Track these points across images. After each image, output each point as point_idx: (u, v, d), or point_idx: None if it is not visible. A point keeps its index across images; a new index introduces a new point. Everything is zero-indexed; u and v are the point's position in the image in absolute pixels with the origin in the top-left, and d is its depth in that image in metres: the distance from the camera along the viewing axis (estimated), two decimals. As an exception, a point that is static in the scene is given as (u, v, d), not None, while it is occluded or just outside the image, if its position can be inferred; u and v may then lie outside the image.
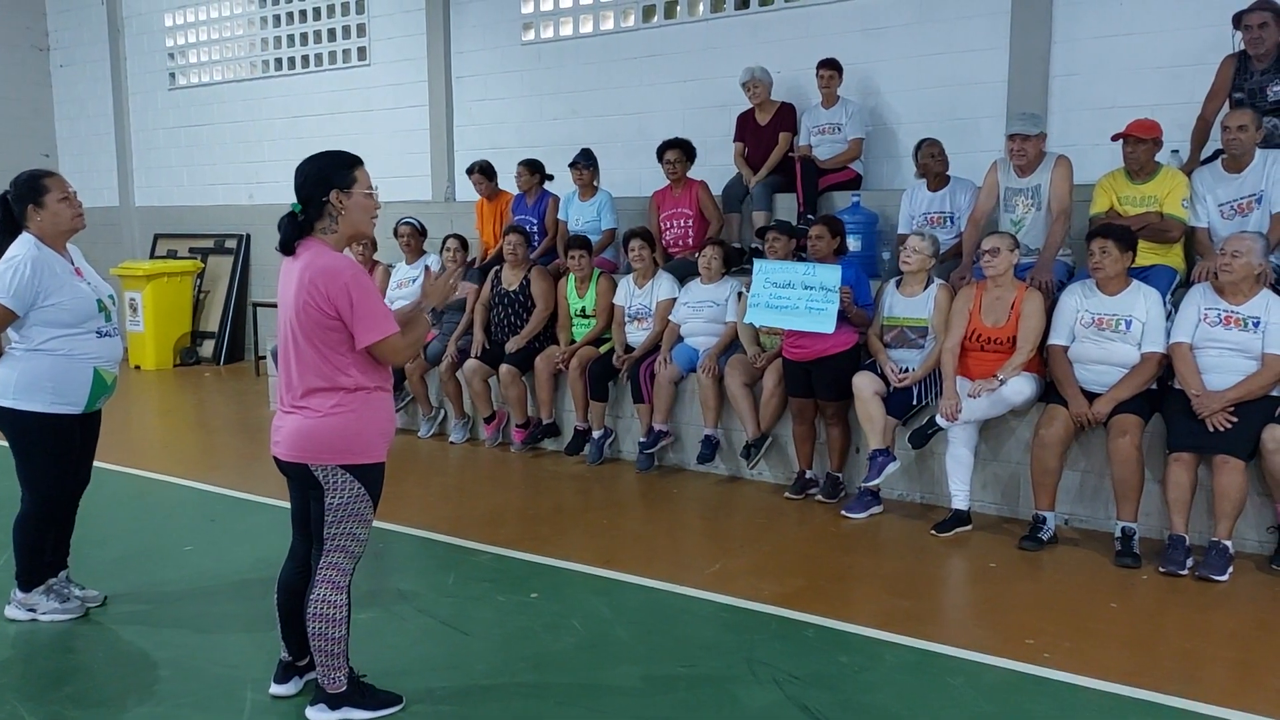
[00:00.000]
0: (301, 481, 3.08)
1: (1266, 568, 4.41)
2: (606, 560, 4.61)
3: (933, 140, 6.16)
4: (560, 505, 5.66)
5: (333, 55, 10.22)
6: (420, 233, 7.56)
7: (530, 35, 8.88)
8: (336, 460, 2.99)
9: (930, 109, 6.95)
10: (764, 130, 7.12)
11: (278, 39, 10.63)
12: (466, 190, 8.46)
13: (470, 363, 6.81)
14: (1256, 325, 4.47)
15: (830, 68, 6.87)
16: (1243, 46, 5.44)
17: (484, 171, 7.79)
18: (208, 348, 10.89)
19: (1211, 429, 4.40)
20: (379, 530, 4.98)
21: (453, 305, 7.15)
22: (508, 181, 7.85)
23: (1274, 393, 4.46)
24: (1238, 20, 5.41)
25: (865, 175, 7.08)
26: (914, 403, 5.29)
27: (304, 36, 10.41)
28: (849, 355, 5.47)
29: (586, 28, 8.58)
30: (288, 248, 3.00)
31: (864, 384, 5.28)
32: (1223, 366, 4.52)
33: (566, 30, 8.70)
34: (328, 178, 2.97)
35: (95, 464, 4.10)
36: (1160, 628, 3.89)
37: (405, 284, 7.49)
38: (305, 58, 10.44)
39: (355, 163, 3.03)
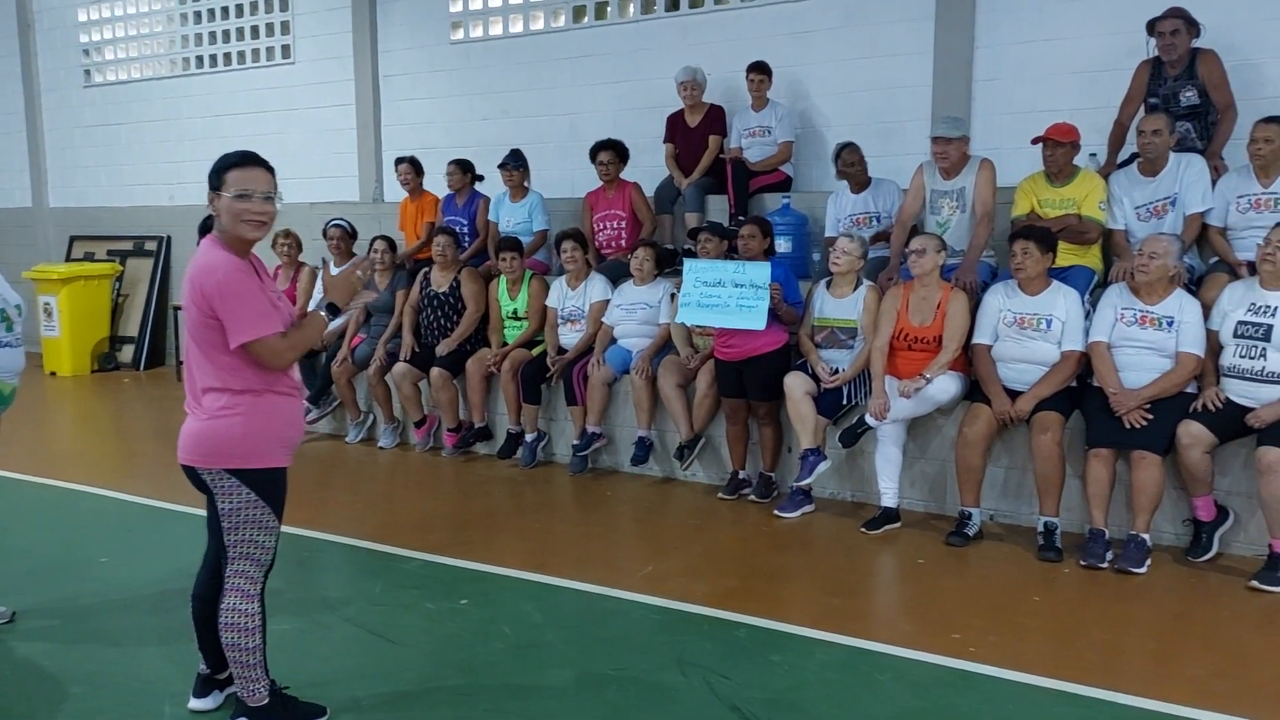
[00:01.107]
0: (198, 485, 3.00)
1: (1183, 560, 4.54)
2: (538, 564, 4.57)
3: (852, 146, 6.22)
4: (492, 509, 5.60)
5: (255, 53, 10.00)
6: (350, 234, 7.43)
7: (459, 34, 8.79)
8: (222, 464, 2.90)
9: (857, 112, 7.03)
10: (694, 132, 7.14)
11: (198, 36, 10.36)
12: (395, 191, 8.34)
13: (399, 366, 6.70)
14: (1171, 325, 4.60)
15: (759, 71, 6.92)
16: (1156, 53, 5.60)
17: (414, 164, 7.67)
18: (127, 353, 10.56)
19: (1128, 426, 4.52)
20: (305, 539, 4.90)
21: (381, 308, 7.04)
22: (436, 183, 7.75)
23: (1188, 389, 4.60)
24: (1151, 27, 5.57)
25: (795, 178, 7.14)
26: (844, 402, 5.34)
27: (225, 34, 10.16)
28: (780, 355, 5.50)
29: (516, 27, 8.52)
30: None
31: (795, 384, 5.32)
32: (1139, 365, 4.64)
33: (496, 30, 8.63)
34: (210, 178, 2.90)
35: (6, 474, 3.93)
36: (1081, 620, 3.97)
37: (332, 286, 7.35)
38: (227, 55, 10.19)
39: (233, 164, 2.89)
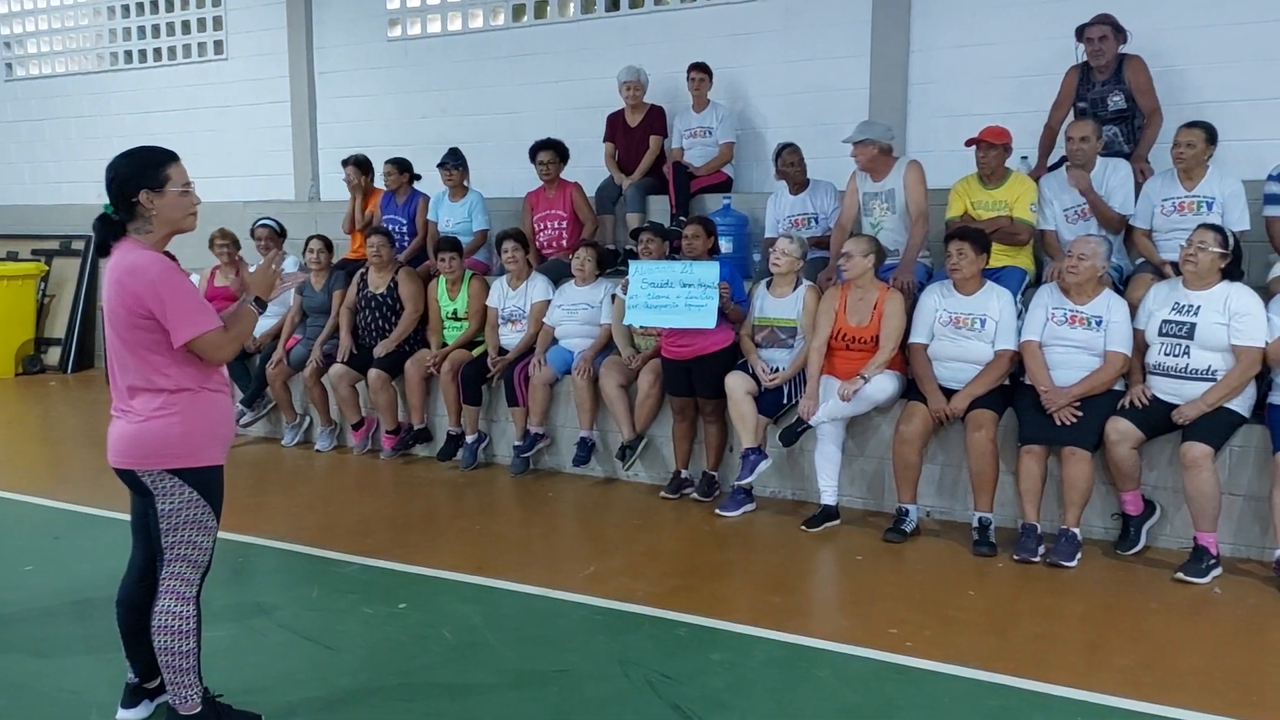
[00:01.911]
0: (135, 488, 2.94)
1: (1112, 553, 4.65)
2: (479, 567, 4.53)
3: (792, 147, 6.27)
4: (432, 512, 5.54)
5: (186, 49, 9.78)
6: (279, 234, 7.30)
7: (396, 31, 8.69)
8: (163, 465, 2.86)
9: (797, 114, 7.09)
10: (634, 132, 7.15)
11: (126, 30, 10.10)
12: (331, 189, 8.22)
13: (336, 368, 6.60)
14: (1099, 324, 4.71)
15: (700, 71, 6.95)
16: (1085, 58, 5.74)
17: (359, 165, 7.55)
18: (54, 354, 10.25)
19: (1059, 423, 4.62)
20: (239, 543, 4.80)
21: (317, 309, 6.93)
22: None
23: (1116, 387, 4.71)
24: (1080, 33, 5.70)
25: (736, 178, 7.19)
26: (784, 401, 5.38)
27: (155, 28, 9.94)
28: (727, 353, 5.53)
29: (455, 25, 8.45)
30: (103, 249, 2.88)
31: (736, 384, 5.34)
32: (1069, 363, 4.75)
33: (435, 27, 8.55)
34: (137, 177, 2.82)
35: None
36: (1014, 613, 4.05)
37: (267, 287, 7.21)
38: (157, 51, 9.96)
39: (167, 159, 2.86)
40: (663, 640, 3.76)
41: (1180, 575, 4.28)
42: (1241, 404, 4.47)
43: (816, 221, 6.24)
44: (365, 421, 6.71)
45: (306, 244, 6.99)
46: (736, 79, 7.30)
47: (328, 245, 7.04)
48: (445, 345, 6.51)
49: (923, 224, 5.54)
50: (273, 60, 9.22)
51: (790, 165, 6.22)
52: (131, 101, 10.07)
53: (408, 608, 4.09)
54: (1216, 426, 4.40)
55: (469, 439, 6.29)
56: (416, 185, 7.45)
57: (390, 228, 7.07)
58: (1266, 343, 4.38)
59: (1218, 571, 4.32)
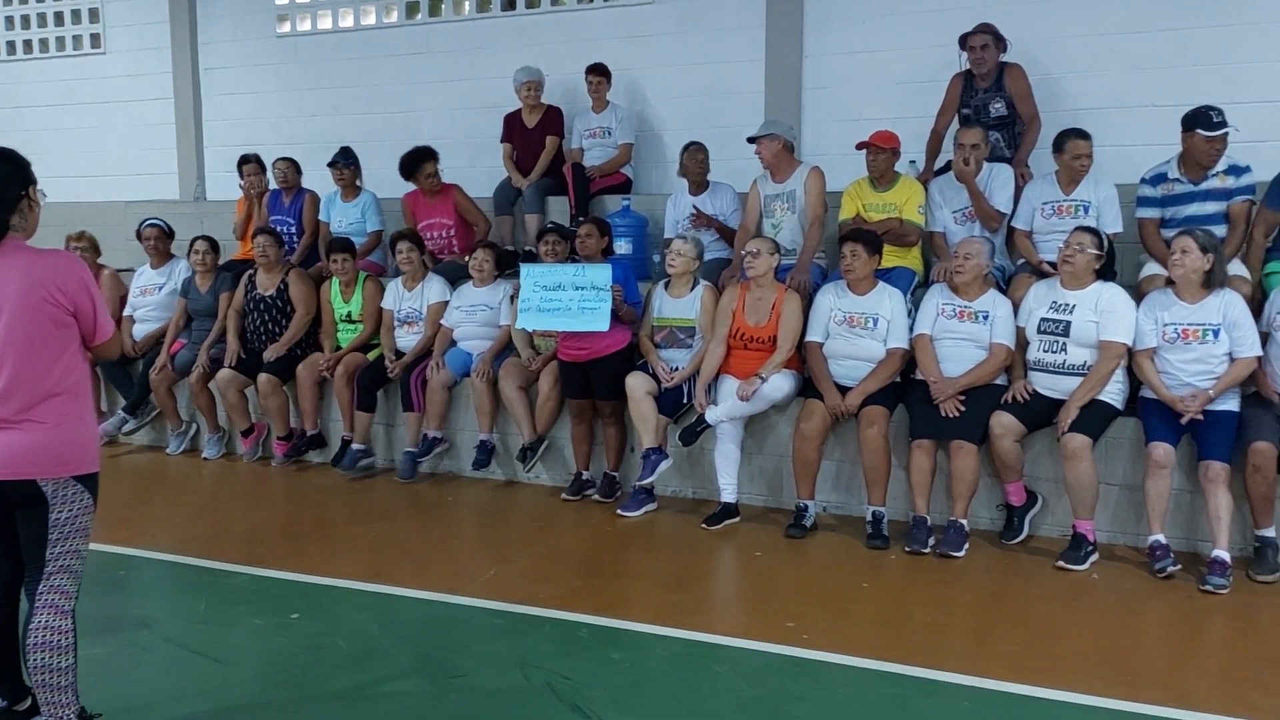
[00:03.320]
0: (17, 501, 2.78)
1: (997, 543, 4.81)
2: (376, 574, 4.44)
3: (699, 145, 6.33)
4: (327, 520, 5.41)
5: (61, 41, 9.36)
6: (168, 235, 7.04)
7: (285, 28, 8.48)
8: (73, 471, 2.79)
9: (694, 116, 7.16)
10: (532, 132, 7.11)
11: (-4, 20, 9.62)
12: (218, 188, 7.96)
13: (224, 372, 6.39)
14: (986, 318, 4.89)
15: (598, 74, 6.95)
16: (968, 66, 5.94)
17: (259, 164, 7.31)
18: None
19: (944, 414, 4.77)
20: (119, 555, 4.61)
21: (203, 311, 6.69)
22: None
23: (999, 381, 4.89)
24: (963, 42, 5.91)
25: (635, 180, 7.22)
26: (684, 401, 5.41)
27: (25, 19, 9.47)
28: (624, 354, 5.54)
29: (347, 22, 8.29)
30: None
31: (636, 384, 5.36)
32: (958, 356, 4.91)
33: (325, 24, 8.37)
34: (24, 174, 2.80)
35: None
36: (906, 603, 4.16)
37: (150, 290, 6.96)
38: (28, 42, 9.49)
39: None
40: (564, 642, 3.74)
41: (1061, 563, 4.46)
42: (1116, 397, 4.69)
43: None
44: (255, 428, 6.52)
45: (191, 245, 6.75)
46: (635, 80, 7.33)
47: (214, 246, 6.80)
48: (339, 348, 6.35)
49: (819, 227, 5.65)
50: (154, 55, 8.89)
51: (696, 164, 6.26)
52: (1, 95, 9.57)
53: (301, 618, 3.97)
54: (1093, 418, 4.60)
55: (356, 447, 6.13)
56: (304, 184, 7.27)
57: (278, 228, 6.87)
58: (1129, 341, 4.59)
59: (1095, 558, 4.51)
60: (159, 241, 6.94)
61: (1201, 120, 4.87)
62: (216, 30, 8.70)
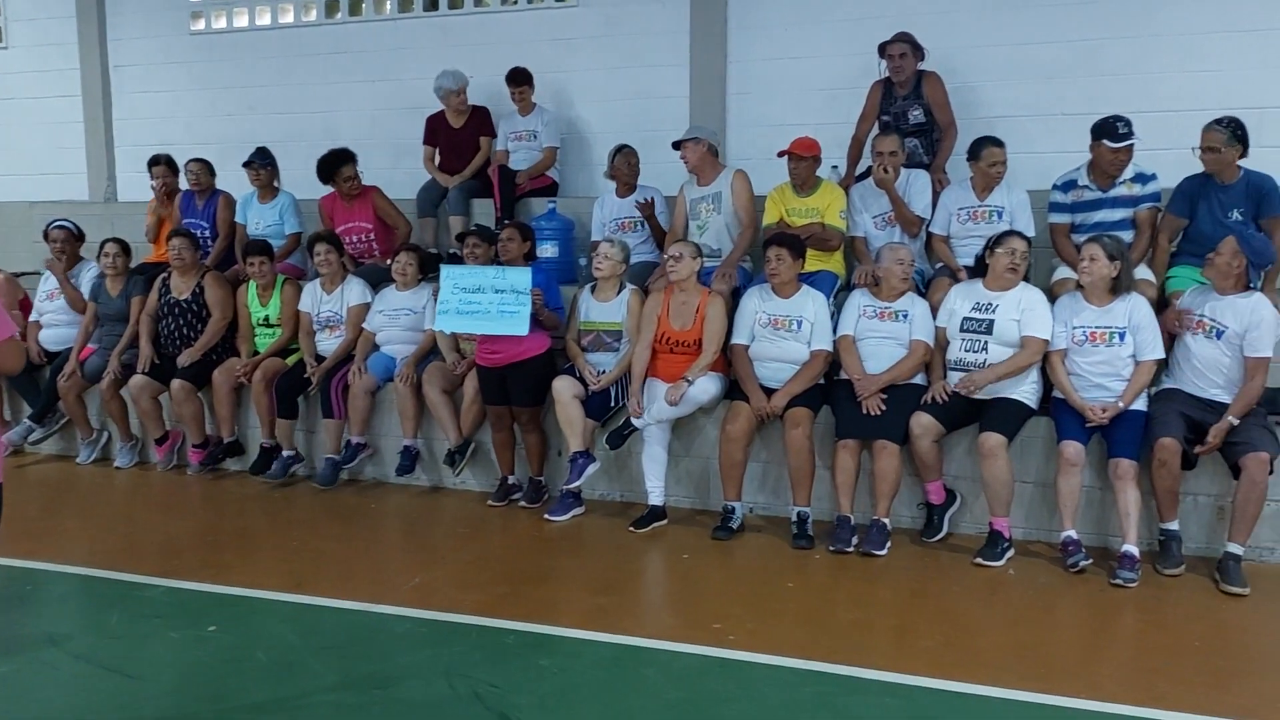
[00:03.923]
0: None
1: (918, 541, 4.91)
2: (296, 584, 4.35)
3: (630, 149, 6.33)
4: (245, 529, 5.28)
5: (-42, 34, 8.98)
6: (77, 237, 6.80)
7: (200, 25, 8.26)
8: None
9: (620, 120, 7.16)
10: (459, 134, 7.04)
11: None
12: (128, 189, 7.72)
13: (136, 379, 6.19)
14: (905, 317, 5.01)
15: (518, 82, 6.91)
16: (887, 74, 6.06)
17: (171, 165, 7.10)
18: None
19: (865, 412, 4.86)
20: (25, 570, 4.45)
21: (114, 316, 6.48)
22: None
23: (918, 381, 4.99)
24: (882, 50, 6.02)
25: (562, 183, 7.19)
26: (611, 404, 5.41)
27: (-79, 11, 9.07)
28: (543, 360, 5.51)
29: (264, 20, 8.11)
30: None
31: (563, 387, 5.34)
32: (879, 354, 5.01)
33: (241, 21, 8.18)
34: None
35: None
36: (831, 602, 4.22)
37: (57, 295, 6.71)
38: (-77, 35, 9.09)
39: None
40: (490, 649, 3.71)
41: (979, 560, 4.57)
42: (1031, 397, 4.82)
43: (641, 226, 6.31)
44: (170, 435, 6.33)
45: (101, 247, 6.52)
46: (560, 84, 7.31)
47: (125, 249, 6.59)
48: (256, 353, 6.21)
49: (752, 231, 5.72)
50: (60, 51, 8.59)
51: (627, 167, 6.26)
52: (-106, 89, 9.16)
53: (219, 630, 3.87)
54: (1009, 417, 4.73)
55: (285, 453, 6.01)
56: (220, 185, 7.09)
57: (192, 232, 6.68)
58: (1049, 338, 4.74)
59: (1011, 554, 4.63)
60: (66, 244, 6.70)
61: (1108, 131, 5.04)
62: (126, 26, 8.43)
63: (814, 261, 5.53)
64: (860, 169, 6.14)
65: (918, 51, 5.99)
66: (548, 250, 6.41)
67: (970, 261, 5.26)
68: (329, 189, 6.73)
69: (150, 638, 3.81)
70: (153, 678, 3.48)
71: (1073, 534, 4.52)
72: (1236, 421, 4.40)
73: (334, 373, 5.94)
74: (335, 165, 6.54)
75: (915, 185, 5.61)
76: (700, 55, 7.00)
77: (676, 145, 5.75)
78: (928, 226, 5.61)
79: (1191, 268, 4.98)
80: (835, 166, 6.20)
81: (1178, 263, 5.19)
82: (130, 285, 6.51)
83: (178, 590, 4.30)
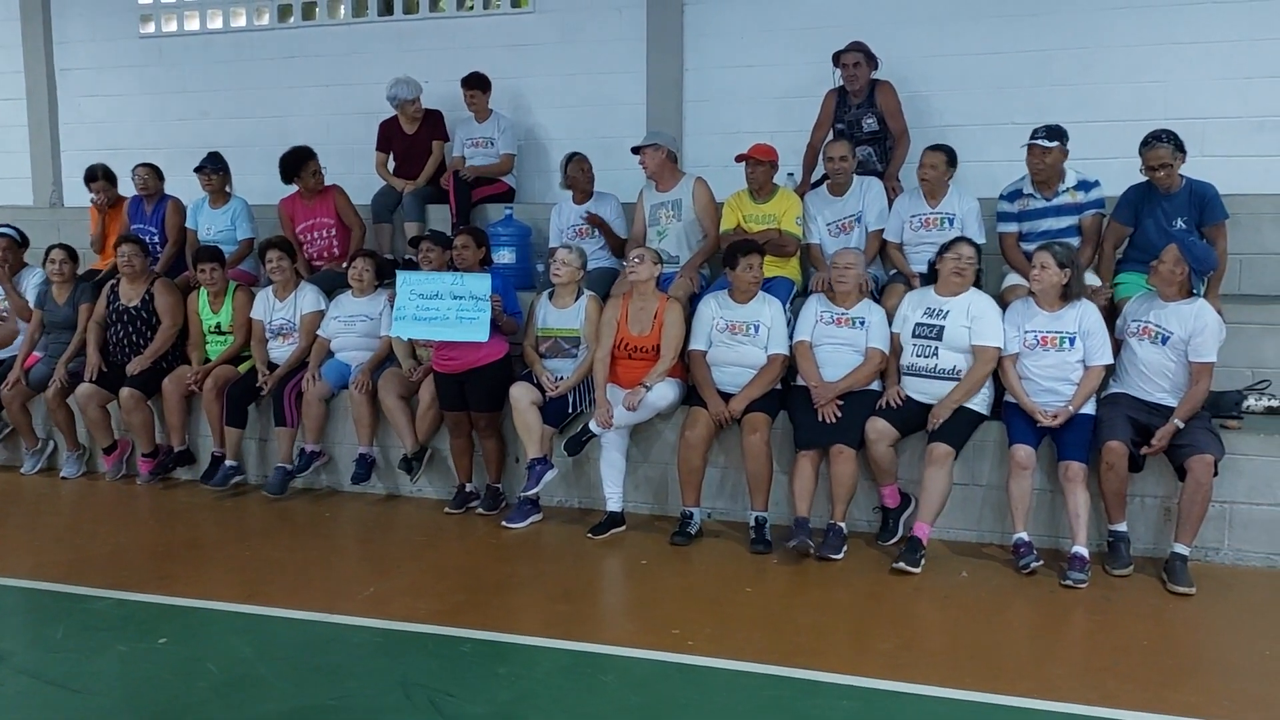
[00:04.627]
0: None
1: (874, 544, 4.95)
2: (249, 595, 4.28)
3: (582, 156, 6.34)
4: (197, 539, 5.19)
5: (-102, 35, 8.76)
6: (20, 243, 6.66)
7: (150, 28, 8.14)
8: None
9: (577, 126, 7.18)
10: (413, 139, 7.01)
11: None
12: (75, 195, 7.58)
13: (84, 387, 6.07)
14: (862, 324, 5.05)
15: (472, 86, 6.89)
16: (841, 83, 6.13)
17: (109, 178, 6.98)
18: None
19: (821, 419, 4.89)
20: (-34, 584, 4.33)
21: (61, 324, 6.35)
22: (125, 186, 7.11)
23: (874, 387, 5.04)
24: (836, 59, 6.09)
25: (519, 189, 7.18)
26: (569, 410, 5.41)
27: None
28: (501, 366, 5.49)
29: (215, 24, 8.01)
30: None
31: (520, 394, 5.32)
32: (836, 361, 5.05)
33: (193, 25, 8.07)
34: None
35: None
36: (788, 606, 4.24)
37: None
38: None
39: None
40: (447, 659, 3.68)
41: (900, 565, 4.51)
42: (981, 403, 4.89)
43: (597, 232, 6.31)
44: (119, 445, 6.22)
45: (47, 254, 6.39)
46: (517, 90, 7.30)
47: (71, 255, 6.46)
48: (208, 361, 6.11)
49: (714, 237, 5.75)
50: (4, 54, 8.43)
51: (580, 171, 6.26)
52: None
53: (169, 642, 3.80)
54: (959, 427, 4.79)
55: (228, 464, 5.91)
56: (169, 191, 6.98)
57: (142, 238, 6.56)
58: (1000, 345, 4.81)
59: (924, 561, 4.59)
60: (9, 251, 6.58)
61: (1032, 135, 5.17)
62: (73, 29, 8.29)
63: (771, 268, 5.56)
64: (816, 176, 6.20)
65: (871, 61, 6.06)
66: (505, 256, 6.39)
67: (924, 268, 5.33)
68: (285, 194, 6.67)
69: (98, 651, 3.73)
70: (100, 692, 3.41)
71: (1024, 536, 4.59)
72: (1182, 424, 4.50)
73: (287, 380, 5.86)
74: (301, 160, 6.51)
75: (870, 193, 5.68)
76: (657, 62, 7.03)
77: (636, 150, 5.77)
78: (883, 235, 5.67)
79: (1138, 274, 5.09)
80: (791, 174, 6.26)
81: (1124, 269, 5.29)
82: (77, 292, 6.39)
83: (127, 602, 4.21)
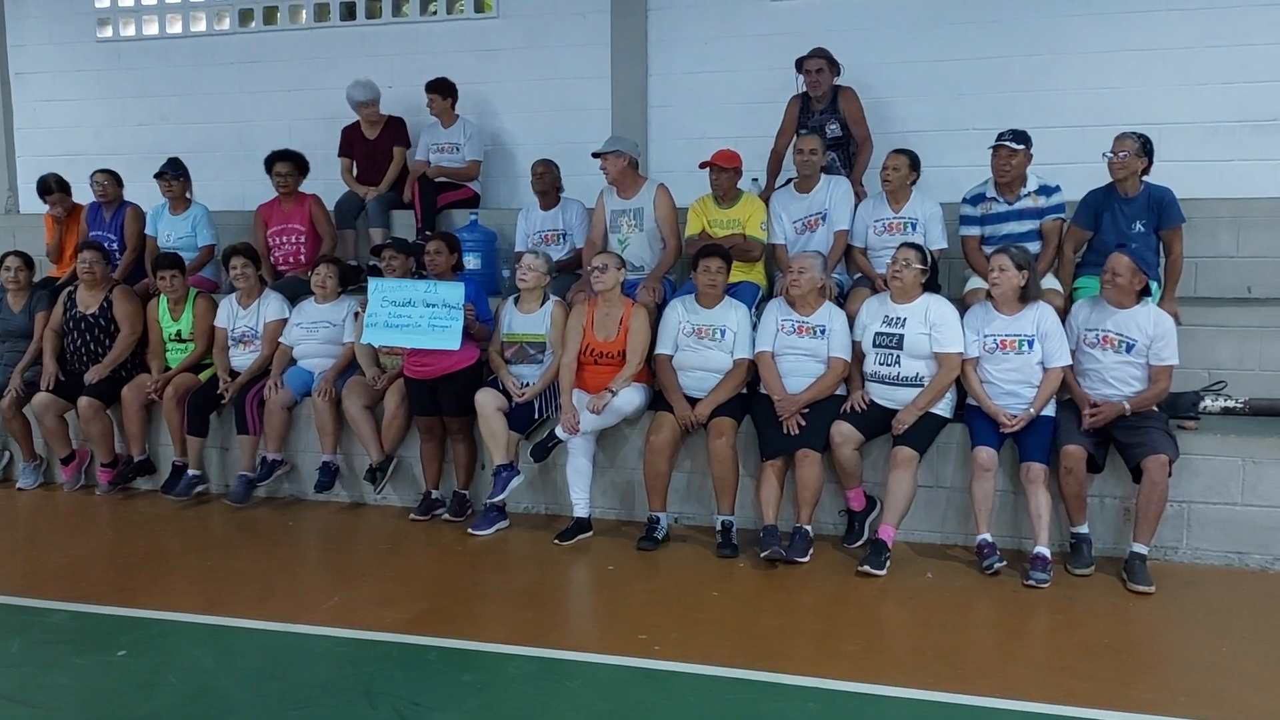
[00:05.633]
0: None
1: (840, 546, 4.98)
2: (210, 605, 4.23)
3: (547, 162, 6.33)
4: (157, 550, 5.12)
5: None
6: (-26, 250, 6.54)
7: (107, 32, 8.03)
8: None
9: (543, 132, 7.16)
10: (375, 144, 6.97)
11: None
12: (32, 201, 7.45)
13: (40, 396, 5.97)
14: (823, 332, 5.06)
15: (435, 90, 6.87)
16: (805, 89, 6.17)
17: (63, 188, 6.88)
18: None
19: (786, 431, 4.90)
20: (-82, 599, 4.24)
21: (16, 332, 6.23)
22: (83, 193, 7.00)
23: (839, 391, 5.07)
24: (799, 65, 6.13)
25: (484, 194, 7.16)
26: (535, 416, 5.39)
27: None
28: (472, 371, 5.47)
29: (175, 28, 7.93)
30: None
31: (486, 400, 5.30)
32: (799, 370, 5.06)
33: (151, 29, 7.97)
34: None
35: None
36: (755, 610, 4.25)
37: (-46, 309, 6.44)
38: None
39: None
40: (412, 667, 3.65)
41: (864, 568, 4.55)
42: (944, 407, 4.93)
43: (565, 239, 6.31)
44: (77, 455, 6.12)
45: (1, 261, 6.28)
46: (482, 95, 7.28)
47: (28, 263, 6.37)
48: (168, 369, 6.03)
49: (676, 246, 5.75)
50: (-44, 57, 8.26)
51: (542, 179, 6.25)
52: None
53: (128, 654, 3.74)
54: (922, 430, 4.83)
55: (191, 472, 5.83)
56: (128, 197, 6.89)
57: (103, 245, 6.47)
58: (962, 349, 4.86)
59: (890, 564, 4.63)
60: (-36, 258, 6.44)
61: (999, 137, 5.25)
62: (29, 33, 8.16)
63: (736, 272, 5.58)
64: (780, 181, 6.23)
65: (834, 67, 6.11)
66: (470, 262, 6.36)
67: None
68: (258, 200, 6.67)
69: (54, 665, 3.66)
70: (55, 705, 3.35)
71: (987, 537, 4.63)
72: (1129, 410, 4.56)
73: (249, 388, 5.80)
74: (273, 160, 6.55)
75: (837, 191, 5.69)
76: (621, 68, 7.04)
77: (597, 155, 5.77)
78: (848, 236, 5.70)
79: (1097, 278, 5.15)
80: (755, 179, 6.28)
81: (1083, 273, 5.36)
82: (33, 300, 6.29)
83: (84, 615, 4.14)
